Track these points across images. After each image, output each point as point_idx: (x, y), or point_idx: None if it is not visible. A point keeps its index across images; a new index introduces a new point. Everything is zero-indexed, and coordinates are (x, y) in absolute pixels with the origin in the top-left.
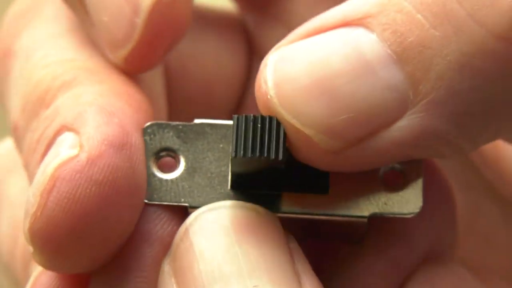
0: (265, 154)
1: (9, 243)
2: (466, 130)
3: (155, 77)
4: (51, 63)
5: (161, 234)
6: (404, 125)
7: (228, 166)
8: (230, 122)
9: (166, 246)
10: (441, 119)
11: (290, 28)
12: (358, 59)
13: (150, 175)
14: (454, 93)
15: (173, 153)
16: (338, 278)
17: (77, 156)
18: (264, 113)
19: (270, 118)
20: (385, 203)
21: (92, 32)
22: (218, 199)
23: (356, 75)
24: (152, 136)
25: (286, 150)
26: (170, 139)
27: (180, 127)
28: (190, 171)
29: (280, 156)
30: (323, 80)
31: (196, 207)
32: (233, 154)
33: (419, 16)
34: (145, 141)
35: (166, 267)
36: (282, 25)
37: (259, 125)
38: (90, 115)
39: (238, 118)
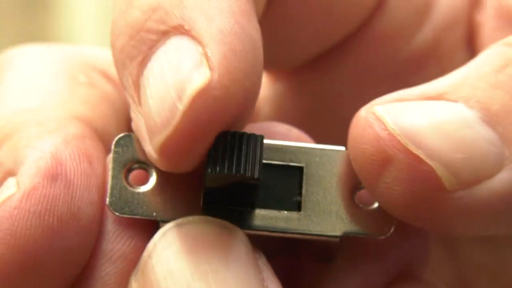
0: (241, 172)
1: None
2: None
3: None
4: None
5: (124, 251)
6: (504, 177)
7: (201, 181)
8: None
9: (130, 262)
10: None
11: None
12: (456, 113)
13: (122, 188)
14: None
15: (145, 166)
16: None
17: (14, 193)
18: (377, 149)
19: (248, 135)
20: (358, 223)
21: (138, 123)
22: (190, 214)
23: (461, 125)
24: (124, 148)
25: (262, 168)
26: (142, 152)
27: None
28: (162, 184)
29: (256, 174)
30: (436, 124)
31: (168, 221)
32: (209, 171)
33: (497, 91)
34: (116, 153)
35: (134, 284)
36: None
37: (236, 142)
38: (24, 156)
39: (218, 134)
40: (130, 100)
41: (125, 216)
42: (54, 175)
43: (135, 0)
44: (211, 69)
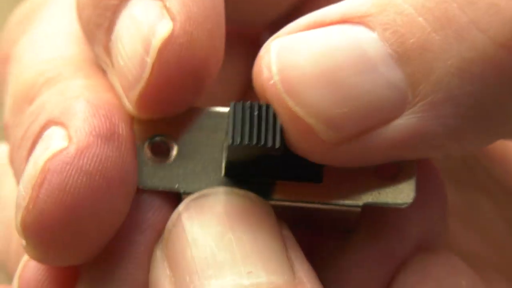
0: (262, 142)
1: (3, 242)
2: (457, 134)
3: None
4: (38, 61)
5: (153, 221)
6: (401, 124)
7: (222, 153)
8: (225, 110)
9: (158, 233)
10: (437, 121)
11: None
12: (360, 55)
13: (144, 161)
14: (452, 97)
15: (166, 139)
16: (331, 268)
17: (66, 148)
18: (264, 98)
19: (267, 106)
20: (379, 193)
21: (116, 85)
22: (212, 186)
23: (359, 70)
24: (146, 121)
25: (283, 138)
26: (164, 125)
27: None
28: (184, 157)
29: (277, 144)
30: (327, 72)
31: (190, 193)
32: (230, 142)
33: (420, 19)
34: (138, 126)
35: (159, 253)
36: None
37: (256, 113)
38: (76, 108)
39: (235, 105)
40: (105, 67)
41: (148, 188)
42: (107, 136)
43: None
44: (172, 19)
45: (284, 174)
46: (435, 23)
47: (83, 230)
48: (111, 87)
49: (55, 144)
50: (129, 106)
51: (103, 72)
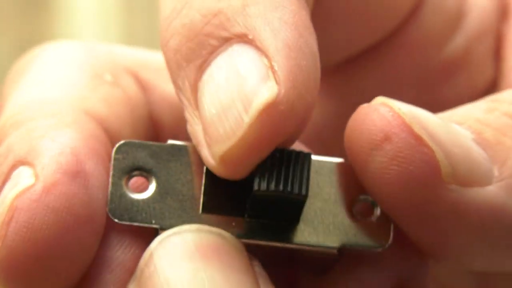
0: (289, 189)
1: None
2: None
3: None
4: (13, 106)
5: (123, 259)
6: (493, 191)
7: (200, 189)
8: None
9: (129, 271)
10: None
11: None
12: (454, 127)
13: (122, 195)
14: None
15: (145, 173)
16: None
17: (33, 185)
18: (379, 126)
19: (294, 152)
20: (356, 235)
21: (195, 127)
22: (189, 222)
23: (460, 135)
24: (124, 154)
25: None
26: (143, 159)
27: (154, 147)
28: (162, 192)
29: (304, 191)
30: (443, 121)
31: (166, 230)
32: (255, 187)
33: (485, 125)
34: (116, 159)
35: None
36: None
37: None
38: (42, 147)
39: None
40: (186, 102)
41: (125, 223)
42: (74, 173)
43: (193, 1)
44: (277, 83)
45: (260, 212)
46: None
47: (53, 267)
48: (83, 126)
49: (22, 182)
50: (207, 155)
51: (81, 113)
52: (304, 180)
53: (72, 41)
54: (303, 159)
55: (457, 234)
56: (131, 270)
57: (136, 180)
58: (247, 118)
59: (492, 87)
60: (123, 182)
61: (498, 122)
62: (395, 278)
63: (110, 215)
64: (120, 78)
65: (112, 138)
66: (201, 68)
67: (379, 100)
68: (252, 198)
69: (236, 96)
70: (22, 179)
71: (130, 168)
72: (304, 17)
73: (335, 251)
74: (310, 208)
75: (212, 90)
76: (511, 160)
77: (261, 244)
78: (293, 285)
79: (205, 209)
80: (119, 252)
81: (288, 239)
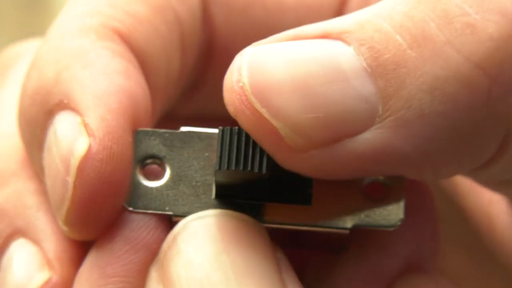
0: (249, 168)
1: None
2: (429, 156)
3: None
4: None
5: (147, 241)
6: (368, 138)
7: (212, 175)
8: (216, 131)
9: (152, 253)
10: (405, 139)
11: None
12: (333, 65)
13: (136, 183)
14: (422, 115)
15: (159, 161)
16: (321, 286)
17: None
18: (231, 101)
19: None
20: (367, 215)
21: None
22: (202, 208)
23: (330, 80)
24: (138, 143)
25: (271, 162)
26: (156, 147)
27: (167, 135)
28: (175, 179)
29: (264, 170)
30: (298, 78)
31: (180, 216)
32: (217, 167)
33: (397, 36)
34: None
35: (154, 274)
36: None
37: (243, 138)
38: (42, 226)
39: (223, 130)
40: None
41: (139, 211)
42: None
43: (25, 87)
44: (89, 135)
45: (273, 196)
46: (412, 41)
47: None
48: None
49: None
50: (61, 225)
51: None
52: (265, 157)
53: None
54: None
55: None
56: (155, 252)
57: (152, 169)
58: (70, 178)
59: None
60: (137, 170)
61: (418, 25)
62: (403, 263)
63: (124, 204)
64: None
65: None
66: (40, 148)
67: (242, 53)
68: (216, 177)
69: (58, 162)
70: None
71: (144, 156)
72: (119, 64)
73: (347, 231)
74: (322, 190)
75: (45, 164)
76: (406, 88)
77: (275, 228)
78: (308, 267)
79: (218, 194)
80: (145, 233)
81: (303, 222)
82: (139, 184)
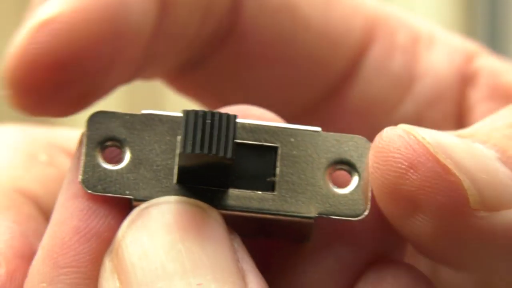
0: (214, 152)
1: None
2: None
3: None
4: None
5: (98, 229)
6: None
7: (174, 160)
8: (179, 115)
9: (104, 241)
10: None
11: None
12: (477, 148)
13: (95, 165)
14: None
15: (119, 144)
16: (284, 277)
17: None
18: (405, 155)
19: (221, 114)
20: (332, 205)
21: None
22: (163, 193)
23: (484, 157)
24: (97, 125)
25: (236, 147)
26: (116, 129)
27: (127, 117)
28: (136, 162)
29: (229, 154)
30: (468, 146)
31: (141, 200)
32: (182, 150)
33: (510, 141)
34: (89, 130)
35: (108, 264)
36: None
37: (209, 121)
38: None
39: (188, 113)
40: None
41: (98, 194)
42: None
43: None
44: None
45: (236, 183)
46: None
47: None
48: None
49: None
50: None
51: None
52: (230, 142)
53: (4, 125)
54: (228, 120)
55: (484, 256)
56: (107, 241)
57: (111, 151)
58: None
59: None
60: (97, 152)
61: None
62: (370, 254)
63: (83, 186)
64: (54, 157)
65: (47, 215)
66: None
67: (402, 127)
68: (179, 161)
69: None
70: None
71: (103, 138)
72: None
73: (311, 220)
74: (286, 178)
75: None
76: None
77: (237, 215)
78: (269, 255)
79: (180, 179)
80: (95, 222)
81: (265, 209)
82: (99, 166)
